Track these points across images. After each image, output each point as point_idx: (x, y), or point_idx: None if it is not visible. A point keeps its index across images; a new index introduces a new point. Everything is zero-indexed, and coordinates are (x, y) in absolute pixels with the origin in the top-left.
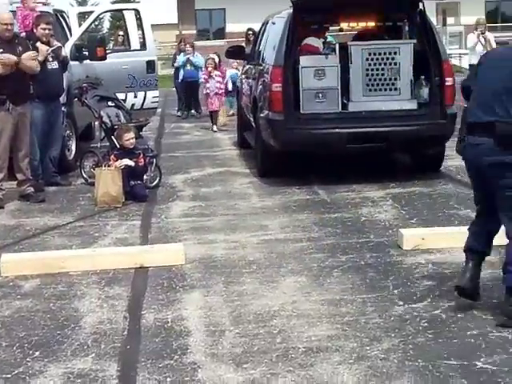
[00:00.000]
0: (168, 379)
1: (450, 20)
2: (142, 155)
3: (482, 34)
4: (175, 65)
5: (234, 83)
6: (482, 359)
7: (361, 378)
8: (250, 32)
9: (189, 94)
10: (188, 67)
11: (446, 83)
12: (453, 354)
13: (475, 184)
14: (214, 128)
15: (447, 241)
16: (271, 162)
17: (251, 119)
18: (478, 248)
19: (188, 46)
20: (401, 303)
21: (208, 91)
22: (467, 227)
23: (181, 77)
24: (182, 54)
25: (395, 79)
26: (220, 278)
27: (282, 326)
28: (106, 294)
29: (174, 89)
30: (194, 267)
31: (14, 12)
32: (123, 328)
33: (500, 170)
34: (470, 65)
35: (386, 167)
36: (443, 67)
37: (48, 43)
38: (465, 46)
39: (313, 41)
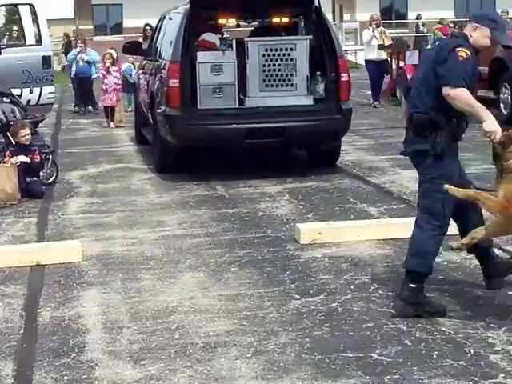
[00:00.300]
0: (65, 377)
1: (346, 16)
2: (37, 152)
3: (378, 26)
4: (66, 62)
5: (125, 77)
6: (377, 351)
7: (258, 371)
8: (148, 27)
9: (82, 89)
10: (80, 63)
11: (342, 79)
12: (349, 346)
13: None
14: (112, 124)
15: (343, 235)
16: (169, 158)
17: (149, 115)
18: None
19: (79, 41)
20: (298, 297)
21: (106, 87)
22: (367, 221)
23: (73, 72)
24: (74, 49)
25: (291, 75)
26: (118, 274)
27: (180, 322)
28: (1, 292)
29: (71, 84)
30: (92, 264)
31: None
32: (19, 327)
33: (416, 157)
34: (365, 60)
35: (283, 162)
36: (339, 63)
37: None
38: (360, 43)
39: (209, 36)
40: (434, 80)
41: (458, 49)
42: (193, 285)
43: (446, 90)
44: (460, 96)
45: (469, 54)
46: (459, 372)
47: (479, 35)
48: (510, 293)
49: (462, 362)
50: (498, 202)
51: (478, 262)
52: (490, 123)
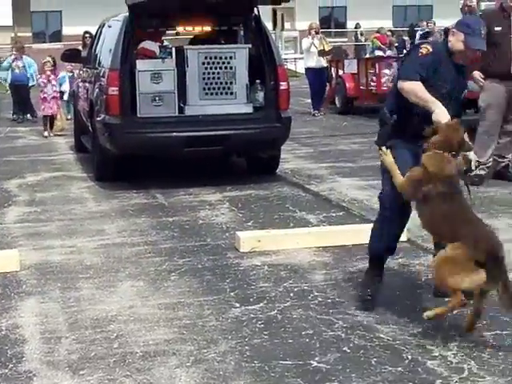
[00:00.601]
0: None
1: (286, 25)
2: None
3: (317, 33)
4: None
5: (60, 85)
6: (316, 358)
7: (198, 380)
8: (87, 35)
9: (18, 97)
10: (16, 70)
11: (281, 87)
12: (288, 354)
13: None
14: (49, 133)
15: (283, 243)
16: (108, 167)
17: (88, 123)
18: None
19: (14, 49)
20: (237, 305)
21: (45, 95)
22: (306, 229)
23: (9, 80)
24: (9, 57)
25: (231, 83)
26: (56, 284)
27: (119, 331)
28: None
29: (9, 92)
30: (30, 274)
31: None
32: None
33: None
34: (305, 68)
35: (222, 170)
36: (278, 72)
37: None
38: (300, 51)
39: (149, 44)
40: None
41: (422, 45)
42: (132, 294)
43: (399, 84)
44: (411, 88)
45: (430, 50)
46: (397, 378)
47: (455, 40)
48: (446, 299)
49: (399, 369)
50: (400, 181)
51: (415, 269)
52: (439, 113)
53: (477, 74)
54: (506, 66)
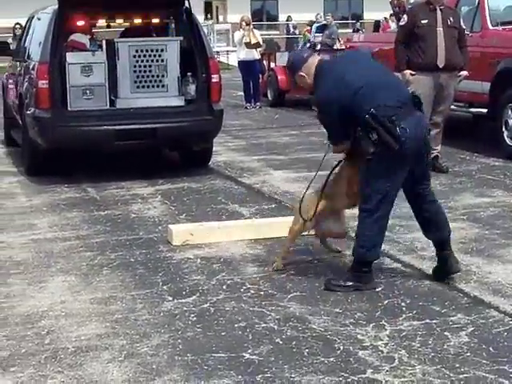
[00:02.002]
0: None
1: (219, 18)
2: None
3: (247, 25)
4: None
5: None
6: (249, 350)
7: (130, 374)
8: (18, 26)
9: None
10: None
11: (213, 80)
12: (221, 346)
13: None
14: None
15: (215, 235)
16: (39, 161)
17: (18, 117)
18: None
19: None
20: (170, 299)
21: None
22: (239, 221)
23: None
24: None
25: (162, 76)
26: None
27: (50, 327)
28: None
29: None
30: None
31: None
32: None
33: None
34: (238, 61)
35: (155, 164)
36: (209, 64)
37: None
38: (232, 44)
39: (79, 37)
40: None
41: None
42: (64, 289)
43: None
44: None
45: None
46: (329, 369)
47: None
48: (377, 289)
49: (331, 359)
50: None
51: (346, 260)
52: None
53: (407, 72)
54: (432, 58)
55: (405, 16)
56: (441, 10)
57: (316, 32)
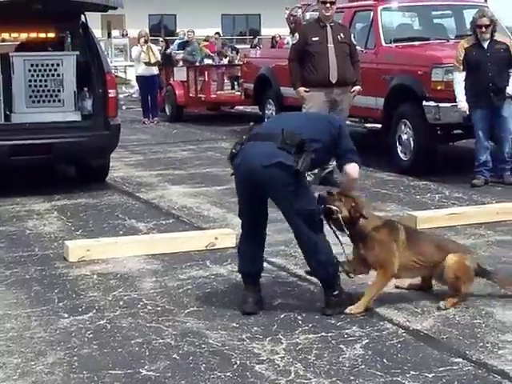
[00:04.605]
0: None
1: (115, 33)
2: None
3: (146, 42)
4: None
5: None
6: (146, 366)
7: None
8: None
9: None
10: None
11: (109, 95)
12: (117, 363)
13: None
14: None
15: (112, 251)
16: None
17: None
18: (254, 270)
19: None
20: (66, 316)
21: None
22: (136, 237)
23: None
24: None
25: (58, 91)
26: None
27: None
28: None
29: None
30: None
31: None
32: None
33: None
34: (137, 76)
35: (51, 179)
36: (106, 79)
37: None
38: (130, 59)
39: None
40: None
41: None
42: None
43: None
44: None
45: None
46: (226, 383)
47: None
48: (274, 304)
49: (228, 374)
50: None
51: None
52: None
53: (301, 89)
54: (325, 74)
55: (296, 34)
56: (331, 26)
57: (177, 49)
